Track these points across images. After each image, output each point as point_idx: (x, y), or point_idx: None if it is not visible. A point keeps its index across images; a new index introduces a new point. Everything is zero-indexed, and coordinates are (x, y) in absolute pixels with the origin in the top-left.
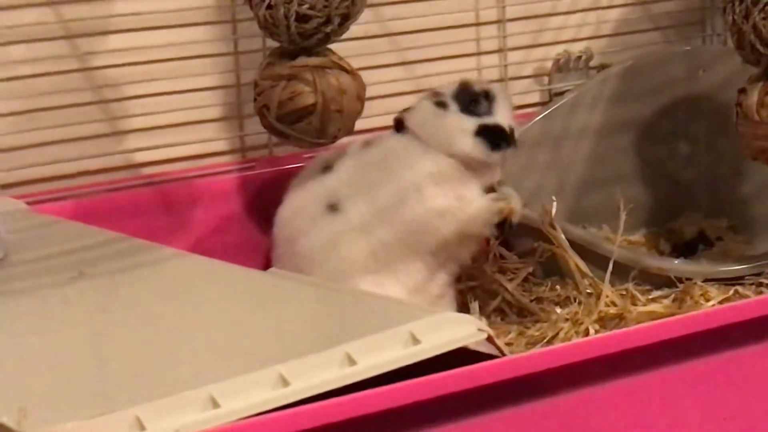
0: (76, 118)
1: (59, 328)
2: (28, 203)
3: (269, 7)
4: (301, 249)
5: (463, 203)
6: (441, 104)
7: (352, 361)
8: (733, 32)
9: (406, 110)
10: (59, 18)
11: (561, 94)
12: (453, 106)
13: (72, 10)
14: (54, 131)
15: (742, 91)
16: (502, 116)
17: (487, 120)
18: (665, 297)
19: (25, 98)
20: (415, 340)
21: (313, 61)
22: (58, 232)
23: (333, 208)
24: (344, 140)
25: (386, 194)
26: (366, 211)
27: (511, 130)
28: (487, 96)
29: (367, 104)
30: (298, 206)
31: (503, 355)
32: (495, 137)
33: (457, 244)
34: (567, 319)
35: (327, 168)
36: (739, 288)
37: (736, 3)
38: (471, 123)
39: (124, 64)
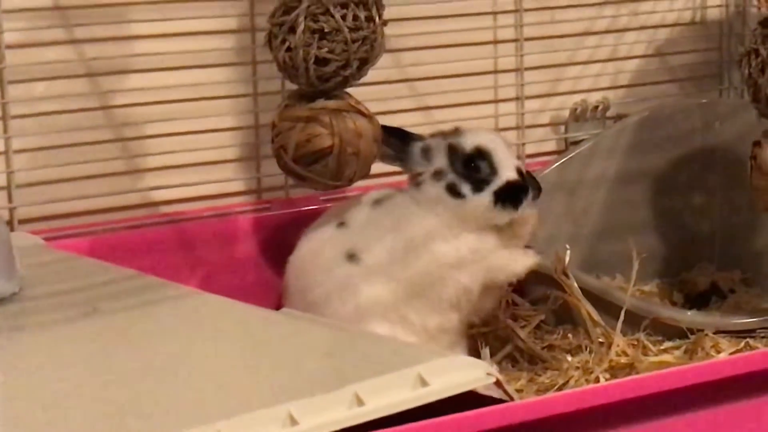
0: (95, 155)
1: (72, 363)
2: (46, 239)
3: (289, 49)
4: (316, 297)
5: (485, 254)
6: (452, 189)
7: (360, 402)
8: (749, 85)
9: (415, 178)
10: (81, 56)
11: (577, 143)
12: (465, 188)
13: (93, 49)
14: (73, 168)
15: (757, 143)
16: (505, 166)
17: (497, 183)
18: (676, 348)
19: (45, 135)
20: (424, 382)
21: (331, 104)
22: (74, 268)
23: (351, 257)
24: (357, 186)
25: (401, 249)
26: (383, 261)
27: (520, 173)
28: (481, 153)
29: None
30: (313, 256)
31: (511, 399)
32: (511, 195)
33: (482, 293)
34: (578, 368)
35: (341, 223)
36: (751, 340)
37: (752, 56)
38: (486, 197)
39: (144, 103)
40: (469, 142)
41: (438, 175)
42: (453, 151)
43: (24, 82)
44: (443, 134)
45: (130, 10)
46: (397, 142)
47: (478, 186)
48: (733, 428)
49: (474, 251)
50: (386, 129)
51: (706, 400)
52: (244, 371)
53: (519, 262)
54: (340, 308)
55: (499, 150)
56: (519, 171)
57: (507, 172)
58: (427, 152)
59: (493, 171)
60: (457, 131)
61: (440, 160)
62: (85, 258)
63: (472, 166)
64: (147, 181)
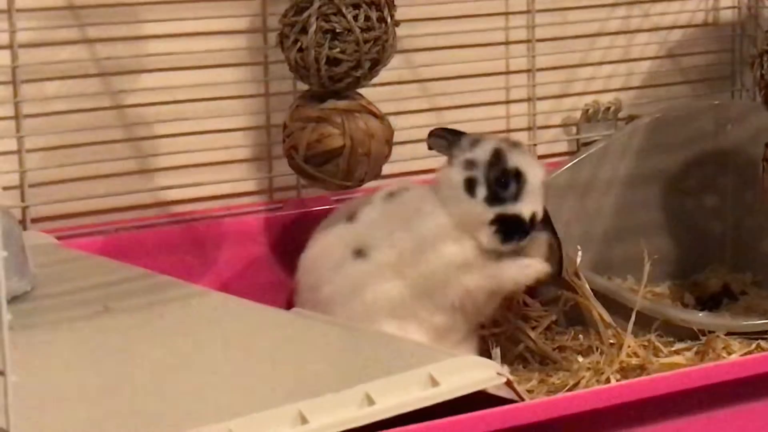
0: (107, 154)
1: (84, 361)
2: (58, 238)
3: (300, 50)
4: (325, 295)
5: (489, 267)
6: (470, 184)
7: (371, 401)
8: (761, 87)
9: (451, 159)
10: (93, 56)
11: (589, 144)
12: (480, 192)
13: (106, 49)
14: (85, 167)
15: None
16: (527, 202)
17: (509, 209)
18: (688, 349)
19: (58, 134)
20: (435, 382)
21: (342, 104)
22: (86, 267)
23: (359, 253)
24: (368, 187)
25: (409, 247)
26: (391, 258)
27: (532, 218)
28: (518, 177)
29: (396, 149)
30: (322, 254)
31: (522, 400)
32: (511, 229)
33: (486, 298)
34: (589, 368)
35: (351, 217)
36: (762, 342)
37: (765, 58)
38: (490, 213)
39: (156, 103)
40: (514, 159)
41: (469, 164)
42: (496, 156)
43: (36, 82)
44: (503, 139)
45: (143, 9)
46: (450, 136)
47: (492, 200)
48: (744, 430)
49: (480, 255)
50: (446, 129)
51: (717, 402)
52: (255, 370)
53: (526, 270)
54: (349, 306)
55: (534, 184)
56: (533, 215)
57: (524, 207)
58: (475, 143)
59: (515, 198)
60: (515, 144)
61: (481, 154)
62: (97, 257)
63: (502, 181)
64: (159, 180)
